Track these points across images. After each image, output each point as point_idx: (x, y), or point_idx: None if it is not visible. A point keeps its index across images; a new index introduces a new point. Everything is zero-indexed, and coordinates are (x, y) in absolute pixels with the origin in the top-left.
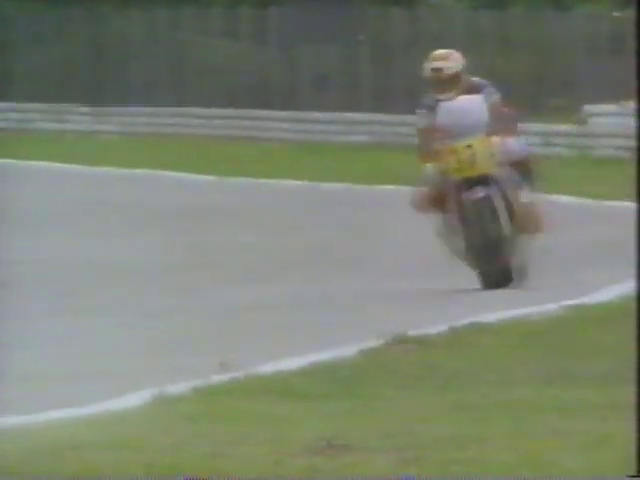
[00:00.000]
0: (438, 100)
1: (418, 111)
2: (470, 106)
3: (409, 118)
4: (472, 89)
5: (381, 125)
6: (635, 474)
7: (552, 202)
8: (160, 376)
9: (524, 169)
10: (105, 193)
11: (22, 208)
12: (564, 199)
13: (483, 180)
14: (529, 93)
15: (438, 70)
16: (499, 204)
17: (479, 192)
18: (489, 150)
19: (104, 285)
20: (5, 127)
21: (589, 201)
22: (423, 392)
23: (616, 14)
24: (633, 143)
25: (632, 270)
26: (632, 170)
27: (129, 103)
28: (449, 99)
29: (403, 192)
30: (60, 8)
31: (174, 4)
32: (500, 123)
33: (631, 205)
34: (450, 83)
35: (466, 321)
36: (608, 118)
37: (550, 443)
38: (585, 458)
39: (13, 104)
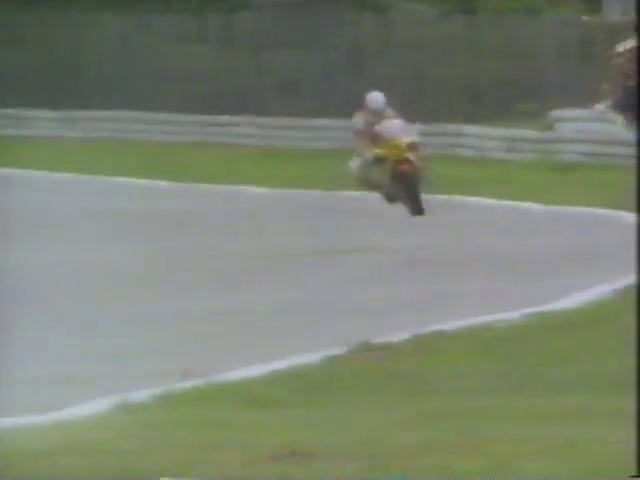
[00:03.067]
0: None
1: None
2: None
3: None
4: None
5: (346, 131)
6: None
7: (517, 209)
8: (124, 383)
9: None
10: (69, 199)
11: None
12: (528, 206)
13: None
14: (498, 98)
15: None
16: None
17: None
18: None
19: (71, 291)
20: None
21: (553, 208)
22: (389, 399)
23: (585, 19)
24: (599, 149)
25: (595, 277)
26: (595, 176)
27: (95, 108)
28: None
29: (371, 198)
30: (27, 12)
31: (143, 9)
32: None
33: (596, 212)
34: None
35: (430, 329)
36: (574, 123)
37: (516, 449)
38: (551, 464)
39: None
